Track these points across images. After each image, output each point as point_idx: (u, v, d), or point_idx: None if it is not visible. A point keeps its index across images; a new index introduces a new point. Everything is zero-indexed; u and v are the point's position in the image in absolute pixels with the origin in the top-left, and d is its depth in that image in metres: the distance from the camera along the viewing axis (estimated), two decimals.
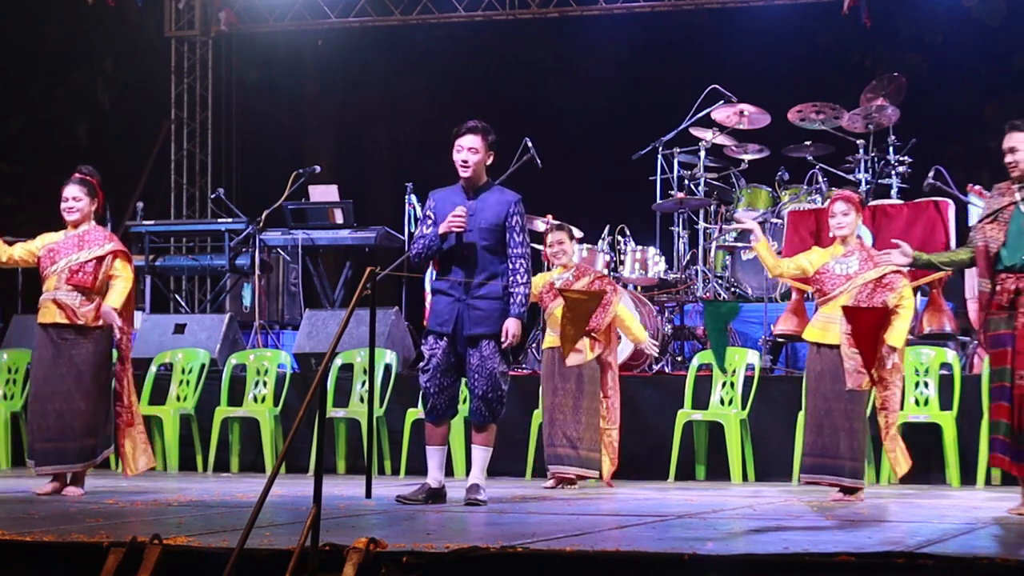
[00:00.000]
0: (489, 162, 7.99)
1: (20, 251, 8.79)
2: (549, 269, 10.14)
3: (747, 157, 12.83)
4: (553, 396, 9.54)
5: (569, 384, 9.48)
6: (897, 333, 8.20)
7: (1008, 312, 7.34)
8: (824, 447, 8.34)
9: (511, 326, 7.80)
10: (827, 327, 8.38)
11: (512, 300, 7.82)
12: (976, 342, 10.53)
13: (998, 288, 7.37)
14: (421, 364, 8.02)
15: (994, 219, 7.42)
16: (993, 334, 7.43)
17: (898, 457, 8.37)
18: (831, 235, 8.58)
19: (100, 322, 8.65)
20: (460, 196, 7.92)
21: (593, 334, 9.45)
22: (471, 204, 7.89)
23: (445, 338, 7.89)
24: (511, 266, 7.86)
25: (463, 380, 8.14)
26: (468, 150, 7.89)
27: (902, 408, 9.37)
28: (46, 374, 8.64)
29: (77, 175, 8.75)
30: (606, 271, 11.90)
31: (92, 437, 8.64)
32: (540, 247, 12.06)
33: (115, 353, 8.77)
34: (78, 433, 8.58)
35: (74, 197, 8.68)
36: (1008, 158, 7.41)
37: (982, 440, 9.68)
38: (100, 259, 8.64)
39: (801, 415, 9.90)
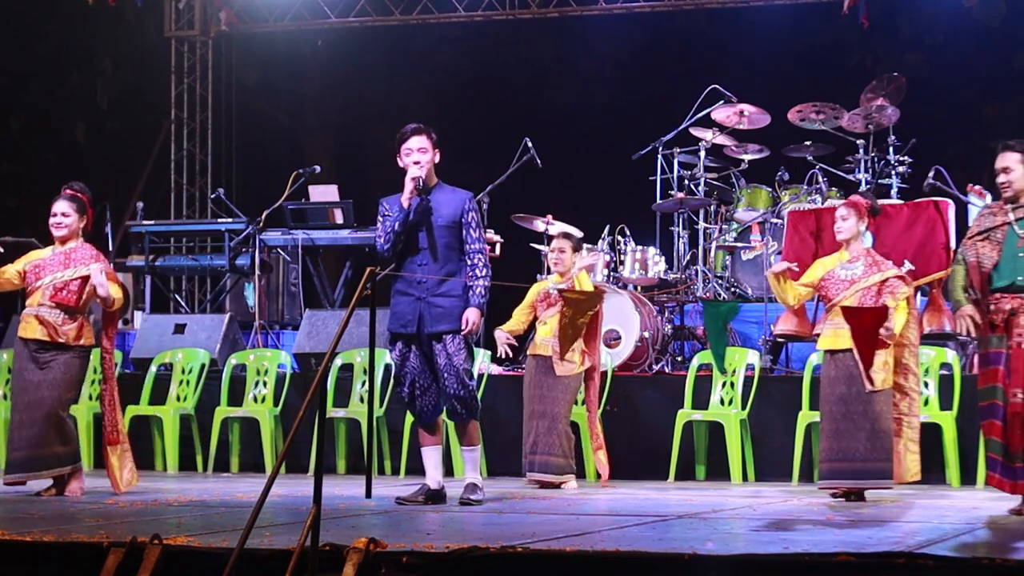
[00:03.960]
0: (437, 160, 7.95)
1: (11, 274, 8.72)
2: (549, 272, 10.13)
3: (747, 157, 12.83)
4: (532, 404, 9.57)
5: (552, 392, 9.52)
6: (896, 321, 8.23)
7: (1004, 331, 7.36)
8: (842, 451, 8.29)
9: (471, 315, 7.82)
10: (837, 333, 8.37)
11: (472, 292, 7.84)
12: (976, 342, 10.53)
13: (992, 307, 7.40)
14: (395, 373, 8.03)
15: (986, 237, 7.47)
16: (986, 352, 7.46)
17: (918, 462, 8.37)
18: (837, 240, 8.61)
19: (81, 341, 8.61)
20: (416, 199, 7.90)
21: (583, 346, 9.48)
22: (426, 204, 7.87)
23: (411, 341, 7.90)
24: (469, 261, 7.88)
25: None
26: (418, 151, 7.88)
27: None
28: (24, 386, 8.58)
29: (68, 191, 8.71)
30: (605, 271, 11.92)
31: (63, 445, 8.56)
32: (540, 247, 12.10)
33: (98, 372, 8.75)
34: (49, 441, 8.50)
35: (63, 213, 8.64)
36: (1001, 178, 7.48)
37: (982, 440, 9.68)
38: (85, 278, 8.57)
39: (801, 415, 9.91)
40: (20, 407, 8.59)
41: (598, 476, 9.85)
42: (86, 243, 8.75)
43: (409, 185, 7.82)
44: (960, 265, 7.59)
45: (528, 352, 9.82)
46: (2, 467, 11.38)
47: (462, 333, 7.84)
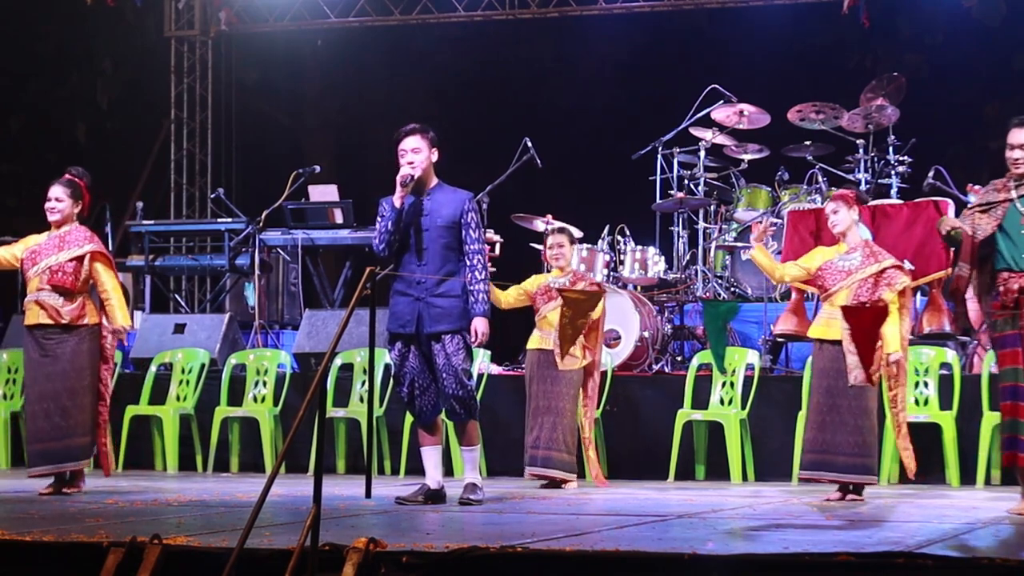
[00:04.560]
0: (435, 159, 7.94)
1: (3, 252, 8.79)
2: (548, 270, 10.13)
3: (747, 157, 12.84)
4: (537, 399, 9.56)
5: (556, 387, 9.50)
6: (891, 339, 8.19)
7: (1013, 312, 7.32)
8: (825, 443, 8.33)
9: (479, 325, 7.81)
10: (830, 323, 8.39)
11: (474, 298, 7.83)
12: (976, 342, 10.53)
13: (1001, 289, 7.34)
14: (394, 373, 8.04)
15: (986, 211, 7.41)
16: (999, 335, 7.38)
17: (912, 455, 8.38)
18: (834, 235, 8.62)
19: (84, 320, 8.64)
20: (410, 197, 7.90)
21: (584, 340, 9.47)
22: (425, 204, 7.88)
23: (410, 341, 7.90)
24: (469, 263, 7.87)
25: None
26: (411, 151, 7.87)
27: None
28: (35, 377, 8.64)
29: (65, 176, 8.75)
30: (605, 271, 11.92)
31: (82, 436, 8.62)
32: (540, 247, 12.10)
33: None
34: (67, 432, 8.55)
35: (56, 198, 8.68)
36: (1016, 154, 7.34)
37: (982, 440, 9.70)
38: (79, 259, 8.62)
39: (801, 415, 9.90)
40: (32, 399, 8.66)
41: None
42: (81, 226, 8.77)
43: (399, 187, 7.82)
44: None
45: (528, 347, 9.80)
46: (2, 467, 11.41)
47: (473, 344, 7.84)
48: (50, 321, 8.58)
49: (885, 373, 8.28)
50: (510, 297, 9.70)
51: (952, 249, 8.03)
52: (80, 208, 8.74)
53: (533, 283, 9.76)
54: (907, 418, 8.45)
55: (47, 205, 8.70)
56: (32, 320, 8.64)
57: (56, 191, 8.69)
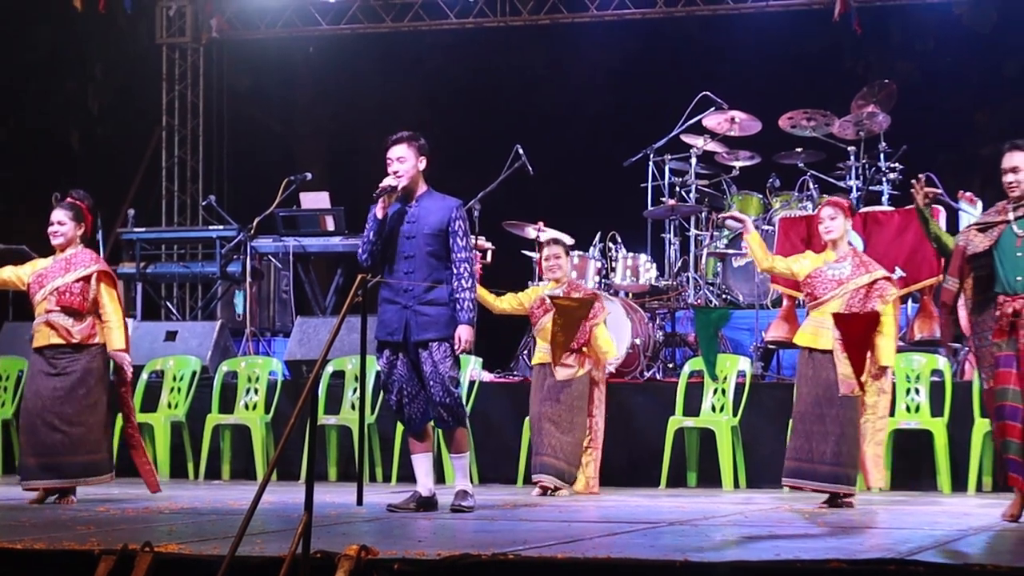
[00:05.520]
0: (423, 167, 7.94)
1: (8, 273, 8.79)
2: (541, 279, 10.13)
3: (738, 164, 12.85)
4: (541, 406, 9.54)
5: (559, 397, 9.48)
6: (885, 352, 8.20)
7: (1008, 335, 7.33)
8: (810, 452, 8.35)
9: (463, 333, 7.80)
10: (818, 332, 8.40)
11: (459, 306, 7.82)
12: (967, 348, 10.53)
13: (997, 313, 7.36)
14: (383, 381, 8.04)
15: (983, 230, 7.45)
16: (998, 354, 7.38)
17: (881, 467, 8.37)
18: (823, 241, 8.63)
19: (95, 339, 8.63)
20: (397, 204, 7.90)
21: (583, 348, 9.47)
22: (412, 211, 7.88)
23: (398, 349, 7.90)
24: (455, 271, 7.86)
25: None
26: (397, 160, 7.89)
27: (893, 414, 9.40)
28: (38, 391, 8.61)
29: (67, 199, 8.77)
30: (597, 278, 11.93)
31: (89, 454, 8.60)
32: (532, 254, 12.10)
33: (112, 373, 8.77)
34: (72, 449, 8.53)
35: (59, 221, 8.69)
36: (1009, 178, 7.40)
37: (973, 446, 9.71)
38: (87, 279, 8.61)
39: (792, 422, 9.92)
40: (34, 412, 8.60)
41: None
42: (86, 248, 8.79)
43: (381, 185, 7.83)
44: (952, 243, 7.63)
45: (533, 362, 9.81)
46: None
47: (457, 352, 7.84)
48: (61, 341, 8.58)
49: (871, 382, 8.29)
50: (504, 304, 9.71)
51: (942, 259, 8.05)
52: (83, 230, 8.76)
53: (529, 295, 9.78)
54: (885, 427, 8.44)
55: (50, 229, 8.72)
56: (42, 342, 8.62)
57: (58, 215, 8.71)
